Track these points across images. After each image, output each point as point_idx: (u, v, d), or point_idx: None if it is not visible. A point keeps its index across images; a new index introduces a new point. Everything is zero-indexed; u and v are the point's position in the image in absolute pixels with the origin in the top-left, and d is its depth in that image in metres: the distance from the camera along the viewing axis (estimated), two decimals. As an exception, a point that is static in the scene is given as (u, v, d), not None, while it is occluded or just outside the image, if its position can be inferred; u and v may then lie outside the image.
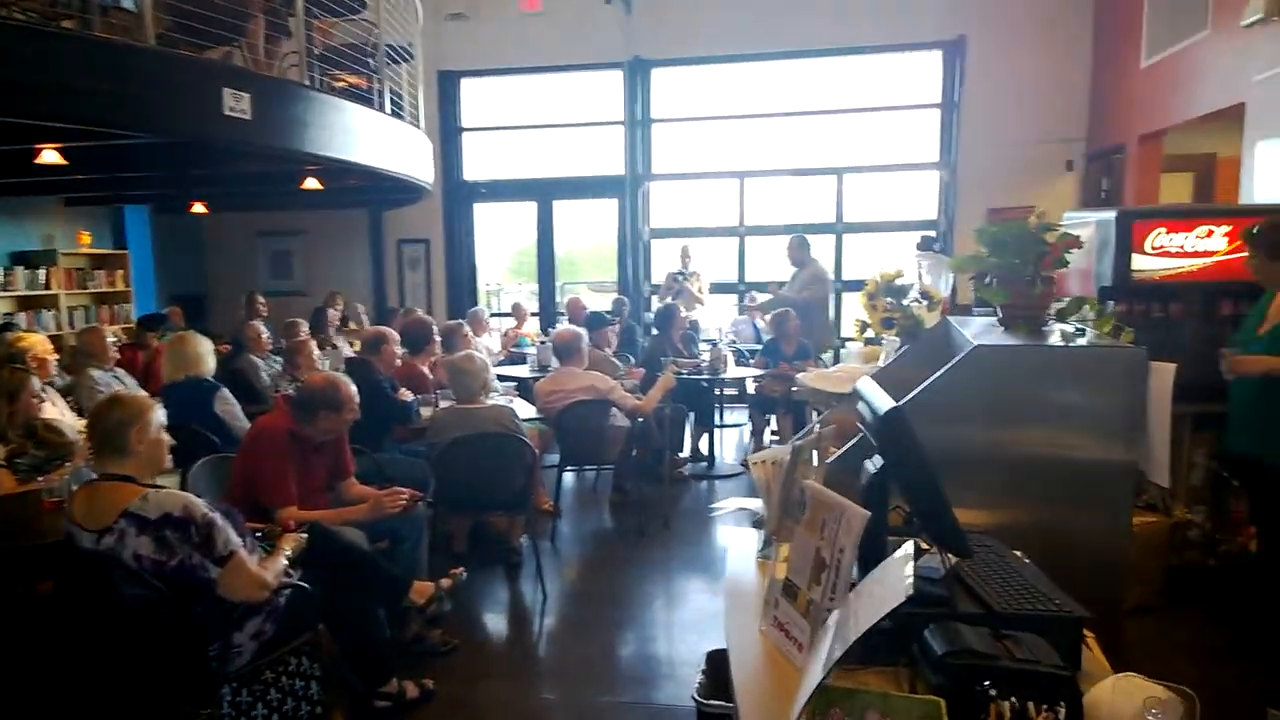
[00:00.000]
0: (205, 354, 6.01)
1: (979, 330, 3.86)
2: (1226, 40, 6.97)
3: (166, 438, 3.40)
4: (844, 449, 3.22)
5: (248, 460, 4.39)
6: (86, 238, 11.01)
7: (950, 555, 2.03)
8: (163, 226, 12.35)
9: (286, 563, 3.50)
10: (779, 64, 11.29)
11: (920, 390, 3.28)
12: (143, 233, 12.14)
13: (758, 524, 2.93)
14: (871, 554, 1.98)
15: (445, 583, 4.22)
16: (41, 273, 10.22)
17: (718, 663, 3.19)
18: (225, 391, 5.93)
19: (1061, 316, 3.73)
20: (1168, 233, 4.93)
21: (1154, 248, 4.93)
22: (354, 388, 4.53)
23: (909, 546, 1.70)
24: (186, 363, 5.90)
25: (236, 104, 5.87)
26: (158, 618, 3.10)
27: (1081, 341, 3.42)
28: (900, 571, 1.59)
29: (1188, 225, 4.94)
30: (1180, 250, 4.93)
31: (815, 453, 2.54)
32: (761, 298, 9.92)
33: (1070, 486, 3.26)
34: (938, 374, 3.30)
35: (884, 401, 2.15)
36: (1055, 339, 3.50)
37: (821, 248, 11.32)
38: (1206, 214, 5.07)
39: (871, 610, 1.51)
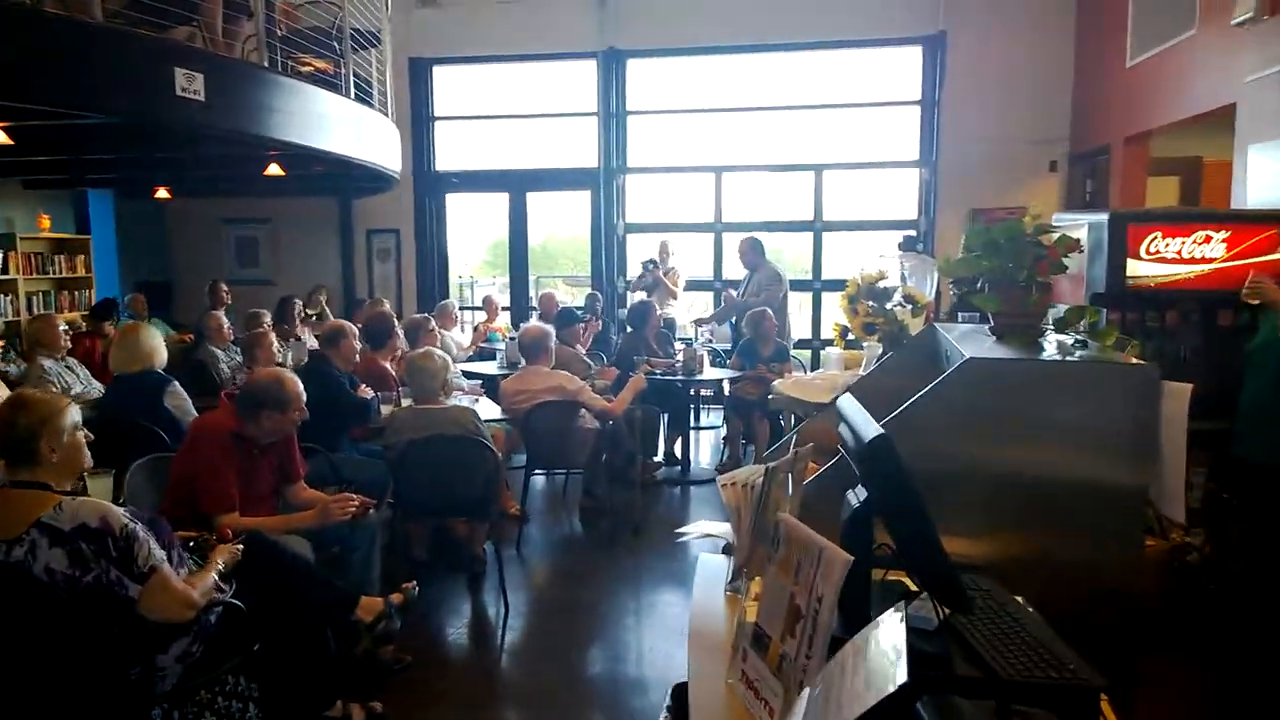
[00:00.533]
0: (158, 346, 5.73)
1: (969, 340, 3.58)
2: (1216, 39, 6.76)
3: (84, 436, 3.11)
4: (822, 470, 2.97)
5: (186, 461, 4.10)
6: (46, 221, 10.64)
7: (944, 608, 1.78)
8: (127, 211, 11.98)
9: (218, 578, 3.23)
10: (757, 57, 11.05)
11: (906, 406, 3.02)
12: (106, 217, 11.77)
13: (727, 550, 2.67)
14: (854, 599, 1.73)
15: (395, 598, 3.92)
16: (-1, 256, 9.88)
17: (683, 699, 2.94)
18: (176, 385, 5.64)
19: (1061, 327, 3.47)
20: (1164, 237, 4.73)
21: (1149, 253, 4.73)
22: (301, 385, 4.25)
23: (898, 613, 1.43)
24: (139, 355, 5.59)
25: (189, 85, 5.58)
26: (71, 638, 2.83)
27: (1083, 355, 3.16)
28: (889, 649, 1.33)
29: (1185, 230, 4.74)
30: (1177, 256, 4.72)
31: (790, 476, 2.29)
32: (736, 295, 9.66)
33: (1073, 515, 2.97)
34: (925, 389, 3.04)
35: (869, 427, 1.89)
36: (1052, 351, 3.24)
37: (800, 246, 11.15)
38: (1204, 218, 4.86)
39: (854, 700, 1.26)
